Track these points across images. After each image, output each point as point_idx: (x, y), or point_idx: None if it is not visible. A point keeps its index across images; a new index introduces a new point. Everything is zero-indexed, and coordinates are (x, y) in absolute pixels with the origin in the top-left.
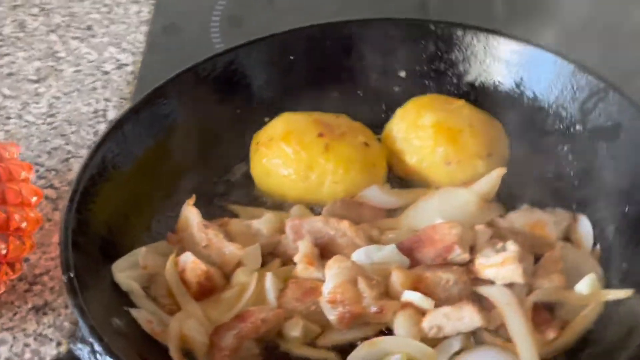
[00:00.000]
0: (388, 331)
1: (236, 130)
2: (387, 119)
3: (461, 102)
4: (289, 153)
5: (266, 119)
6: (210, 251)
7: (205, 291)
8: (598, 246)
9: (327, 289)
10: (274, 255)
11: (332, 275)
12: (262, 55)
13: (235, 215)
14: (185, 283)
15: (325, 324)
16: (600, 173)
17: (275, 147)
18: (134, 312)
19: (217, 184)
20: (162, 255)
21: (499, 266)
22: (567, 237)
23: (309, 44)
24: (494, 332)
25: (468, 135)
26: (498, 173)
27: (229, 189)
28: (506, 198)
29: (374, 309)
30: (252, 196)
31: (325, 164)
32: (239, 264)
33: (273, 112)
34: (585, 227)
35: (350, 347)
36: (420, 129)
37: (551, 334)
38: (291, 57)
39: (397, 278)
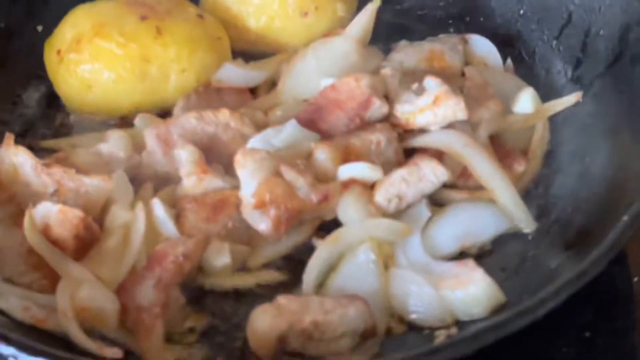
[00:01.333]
0: (328, 226)
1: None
2: None
3: None
4: (111, 49)
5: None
6: (64, 196)
7: (85, 245)
8: (509, 60)
9: (247, 192)
10: (138, 181)
11: (249, 173)
12: None
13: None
14: (55, 243)
15: (250, 240)
16: None
17: (90, 47)
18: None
19: (9, 122)
20: None
21: (433, 107)
22: (467, 62)
23: None
24: (450, 186)
25: None
26: (373, 6)
27: (28, 124)
28: (375, 39)
29: (315, 197)
30: (66, 124)
31: (164, 52)
32: (108, 202)
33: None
34: (482, 45)
35: (289, 259)
36: None
37: (519, 167)
38: None
39: (323, 154)
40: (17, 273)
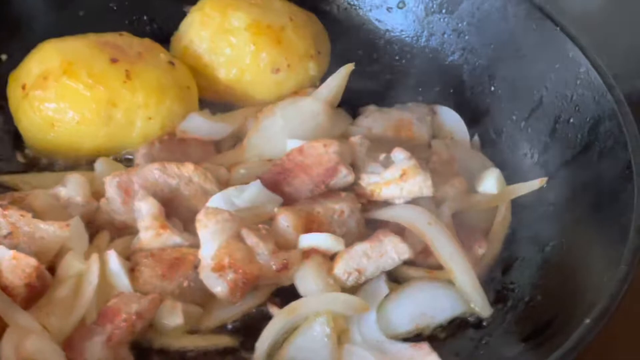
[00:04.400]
0: (283, 292)
1: None
2: (171, 29)
3: None
4: (78, 90)
5: (3, 56)
6: (17, 240)
7: (36, 294)
8: (476, 136)
9: (207, 253)
10: (95, 227)
11: (210, 234)
12: None
13: (13, 190)
14: (4, 290)
15: (203, 301)
16: (441, 49)
17: (56, 85)
18: None
19: None
20: None
21: (400, 181)
22: (434, 136)
23: None
24: (410, 263)
25: (292, 33)
26: (345, 71)
27: None
28: (342, 102)
29: (275, 265)
30: (20, 161)
31: (131, 97)
32: (62, 249)
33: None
34: (451, 118)
35: (242, 323)
36: (231, 34)
37: (480, 249)
38: None
39: (286, 220)
40: None
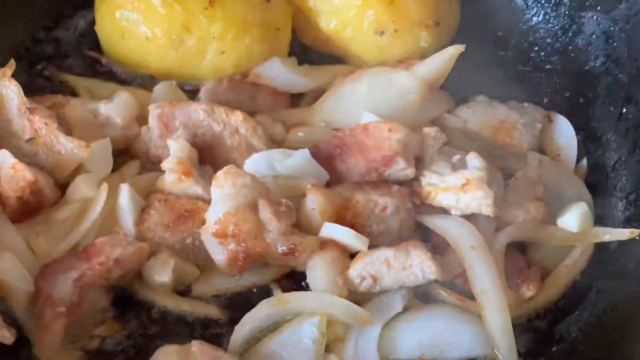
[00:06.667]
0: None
1: None
2: None
3: None
4: (155, 5)
5: None
6: (36, 147)
7: (29, 209)
8: (584, 161)
9: (213, 215)
10: (129, 155)
11: (224, 196)
12: None
13: (71, 92)
14: None
15: (205, 264)
16: (585, 50)
17: None
18: None
19: (41, 41)
20: None
21: (459, 190)
22: (540, 145)
23: None
24: (447, 283)
25: None
26: (454, 51)
27: (60, 49)
28: (454, 85)
29: (282, 248)
30: (97, 64)
31: (208, 25)
32: (79, 169)
33: None
34: (565, 132)
35: (240, 296)
36: None
37: (528, 291)
38: None
39: (314, 202)
40: None
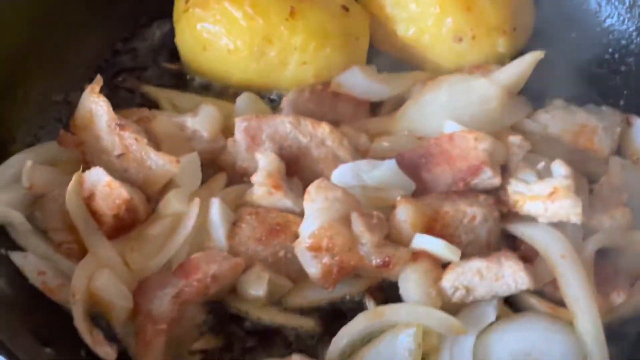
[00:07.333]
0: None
1: None
2: None
3: None
4: (237, 18)
5: None
6: (127, 163)
7: (124, 226)
8: None
9: (307, 229)
10: (215, 168)
11: (317, 210)
12: None
13: (153, 103)
14: (94, 214)
15: (297, 276)
16: None
17: (217, 8)
18: (16, 258)
19: (119, 52)
20: (51, 166)
21: (547, 199)
22: (619, 150)
23: None
24: (537, 291)
25: (487, 2)
26: (533, 57)
27: (138, 59)
28: (530, 89)
29: (376, 261)
30: (176, 75)
31: (289, 37)
32: (168, 184)
33: None
34: None
35: (331, 307)
36: None
37: (618, 297)
38: None
39: (405, 214)
40: (53, 228)
